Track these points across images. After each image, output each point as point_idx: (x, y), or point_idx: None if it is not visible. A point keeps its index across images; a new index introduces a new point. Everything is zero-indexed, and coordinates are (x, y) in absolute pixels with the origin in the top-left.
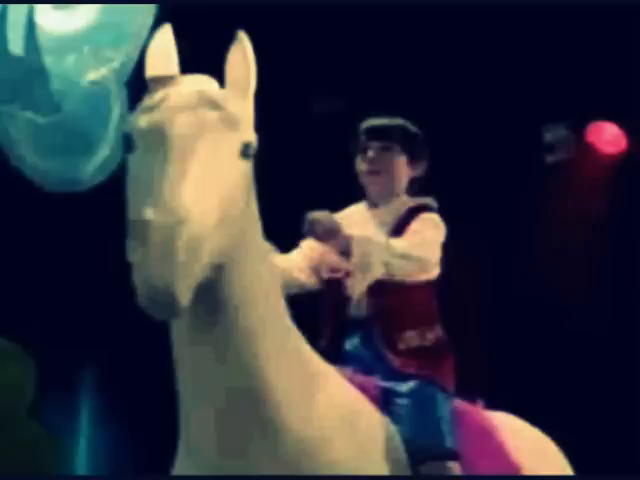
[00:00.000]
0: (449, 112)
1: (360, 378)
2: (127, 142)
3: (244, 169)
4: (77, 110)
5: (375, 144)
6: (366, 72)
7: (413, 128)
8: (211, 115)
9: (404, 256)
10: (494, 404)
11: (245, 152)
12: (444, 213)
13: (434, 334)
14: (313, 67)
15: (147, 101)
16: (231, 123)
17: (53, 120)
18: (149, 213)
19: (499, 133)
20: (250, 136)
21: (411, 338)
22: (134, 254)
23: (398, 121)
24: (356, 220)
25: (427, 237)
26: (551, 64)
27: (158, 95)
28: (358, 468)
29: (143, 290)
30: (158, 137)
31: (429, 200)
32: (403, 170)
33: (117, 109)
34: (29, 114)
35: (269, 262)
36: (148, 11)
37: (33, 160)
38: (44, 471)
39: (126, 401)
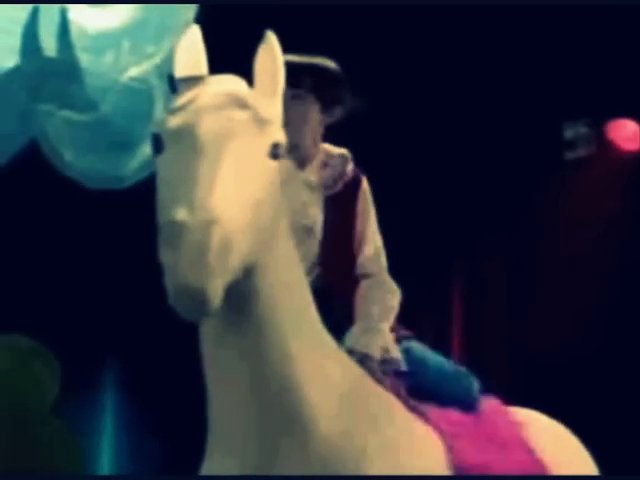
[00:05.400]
0: (470, 109)
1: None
2: (156, 143)
3: (273, 169)
4: (117, 107)
5: (286, 92)
6: (383, 73)
7: (331, 66)
8: (240, 115)
9: (391, 310)
10: (510, 401)
11: (274, 152)
12: (462, 208)
13: None
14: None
15: (176, 102)
16: (260, 123)
17: (91, 118)
18: (181, 214)
19: (519, 130)
20: (279, 136)
21: None
22: (166, 255)
23: (313, 59)
24: (284, 180)
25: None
26: (571, 61)
27: (187, 96)
28: (387, 467)
29: (175, 290)
30: (188, 138)
31: (343, 151)
32: (315, 120)
33: (160, 105)
34: (66, 112)
35: (297, 261)
36: (189, 7)
37: (71, 158)
38: (67, 469)
39: (150, 400)
